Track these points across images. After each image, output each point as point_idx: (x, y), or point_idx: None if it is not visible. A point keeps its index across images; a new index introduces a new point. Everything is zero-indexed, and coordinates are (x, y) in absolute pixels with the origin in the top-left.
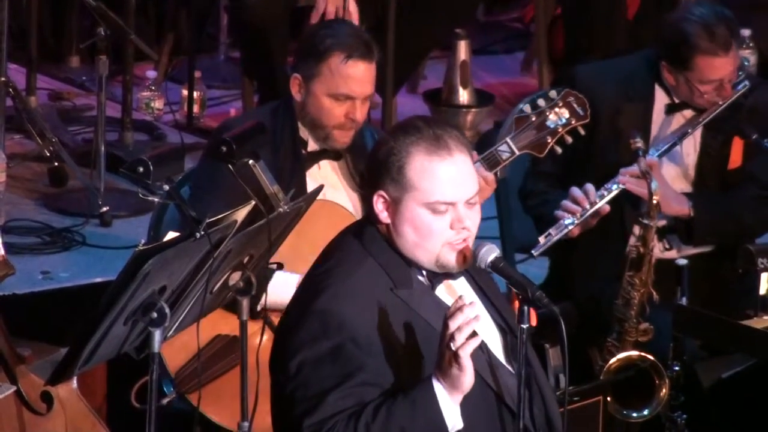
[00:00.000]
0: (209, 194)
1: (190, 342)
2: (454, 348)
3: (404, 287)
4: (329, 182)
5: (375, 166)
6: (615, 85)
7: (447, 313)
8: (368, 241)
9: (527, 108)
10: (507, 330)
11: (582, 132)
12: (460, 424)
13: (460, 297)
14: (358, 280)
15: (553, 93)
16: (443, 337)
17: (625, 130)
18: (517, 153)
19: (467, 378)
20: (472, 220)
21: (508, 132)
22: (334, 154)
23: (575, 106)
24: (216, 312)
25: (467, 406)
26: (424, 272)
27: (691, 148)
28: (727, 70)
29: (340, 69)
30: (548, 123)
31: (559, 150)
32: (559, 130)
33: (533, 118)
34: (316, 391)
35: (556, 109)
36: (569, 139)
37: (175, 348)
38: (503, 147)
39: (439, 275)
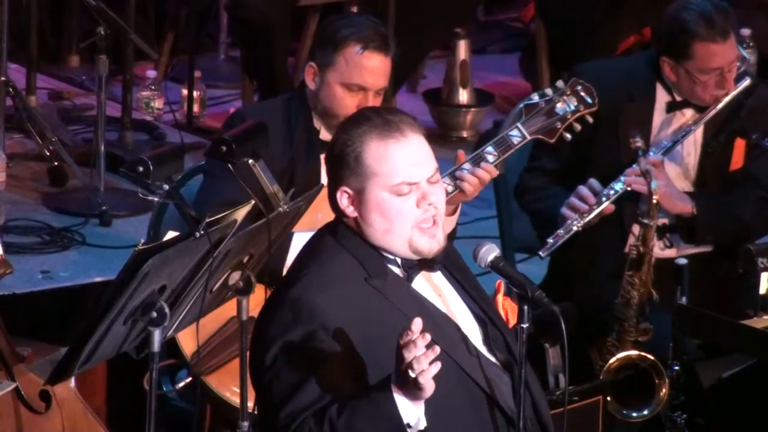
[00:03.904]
0: (221, 181)
1: (203, 324)
2: (413, 375)
3: (379, 278)
4: None
5: (333, 163)
6: (616, 84)
7: (399, 341)
8: (342, 236)
9: (535, 96)
10: (486, 320)
11: (590, 120)
12: (423, 424)
13: (411, 329)
14: (332, 270)
15: (560, 83)
16: (399, 359)
17: (625, 129)
18: (528, 138)
19: (426, 393)
20: (437, 196)
21: (510, 126)
22: None
23: (583, 94)
24: None
25: (448, 397)
26: (400, 263)
27: (692, 147)
28: (727, 58)
29: (355, 59)
30: (557, 110)
31: (568, 136)
32: (568, 117)
33: (542, 105)
34: (290, 381)
35: (564, 97)
36: (578, 127)
37: (190, 331)
38: (514, 132)
39: (415, 267)
